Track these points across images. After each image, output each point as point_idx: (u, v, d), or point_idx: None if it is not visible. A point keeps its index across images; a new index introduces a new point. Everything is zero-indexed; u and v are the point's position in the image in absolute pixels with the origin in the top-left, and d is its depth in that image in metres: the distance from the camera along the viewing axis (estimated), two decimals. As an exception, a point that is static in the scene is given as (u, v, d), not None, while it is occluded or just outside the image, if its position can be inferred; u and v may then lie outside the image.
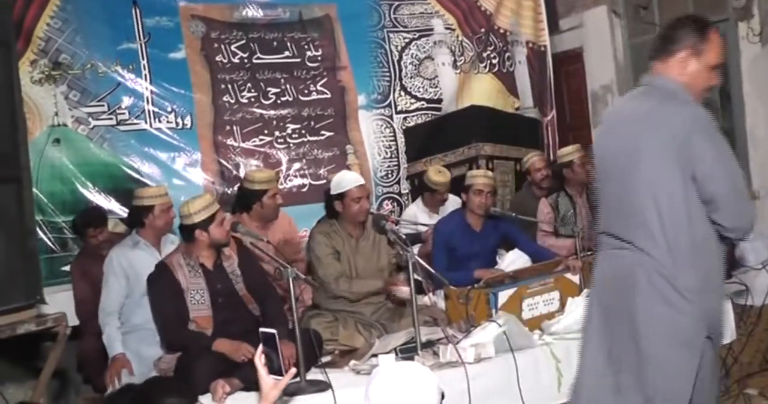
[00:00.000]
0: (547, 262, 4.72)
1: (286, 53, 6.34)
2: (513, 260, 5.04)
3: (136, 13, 5.79)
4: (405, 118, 6.76)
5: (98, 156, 5.57)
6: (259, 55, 6.22)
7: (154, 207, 4.55)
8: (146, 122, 5.78)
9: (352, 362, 3.92)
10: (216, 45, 6.09)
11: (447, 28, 7.00)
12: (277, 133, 6.23)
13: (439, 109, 6.87)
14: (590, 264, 4.61)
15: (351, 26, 6.56)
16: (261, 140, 6.18)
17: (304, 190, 6.28)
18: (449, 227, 5.01)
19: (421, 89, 6.85)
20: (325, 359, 3.96)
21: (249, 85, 6.16)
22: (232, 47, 6.14)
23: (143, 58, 5.79)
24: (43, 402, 4.11)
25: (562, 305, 4.36)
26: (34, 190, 4.64)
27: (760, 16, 6.32)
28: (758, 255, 5.08)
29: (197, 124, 5.95)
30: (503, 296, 4.21)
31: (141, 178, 5.65)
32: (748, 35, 6.41)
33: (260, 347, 2.52)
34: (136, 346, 4.42)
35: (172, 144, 5.85)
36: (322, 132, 6.40)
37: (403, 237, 4.33)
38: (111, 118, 5.65)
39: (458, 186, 5.41)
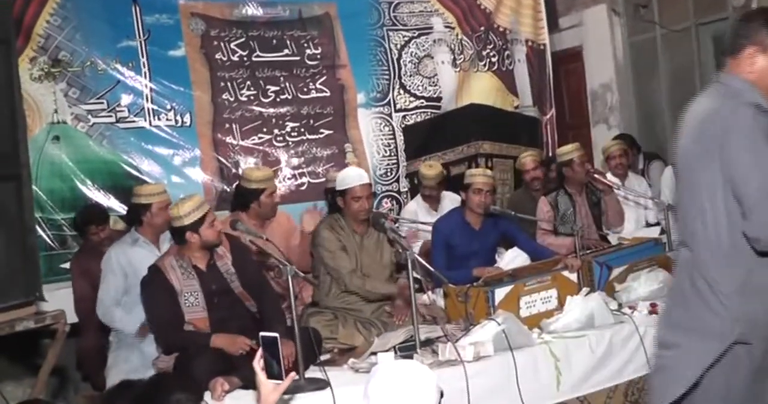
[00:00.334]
0: (547, 261, 4.72)
1: (286, 51, 6.34)
2: (512, 258, 5.05)
3: (135, 10, 5.79)
4: (404, 117, 6.76)
5: (98, 153, 5.58)
6: (258, 53, 6.22)
7: (151, 206, 4.56)
8: (146, 120, 5.78)
9: (351, 360, 3.91)
10: (215, 43, 6.09)
11: (446, 27, 6.99)
12: (276, 131, 6.23)
13: (438, 108, 6.87)
14: (589, 262, 4.65)
15: (350, 24, 6.56)
16: (260, 138, 6.18)
17: (303, 188, 6.29)
18: (448, 225, 5.01)
19: (420, 87, 6.85)
20: (324, 357, 3.95)
21: (248, 83, 6.16)
22: (232, 45, 6.14)
23: (143, 56, 5.79)
24: (43, 398, 4.10)
25: (561, 303, 4.36)
26: (34, 187, 4.64)
27: (760, 15, 6.30)
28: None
29: (196, 121, 5.96)
30: (500, 293, 4.20)
31: (140, 176, 5.65)
32: (747, 34, 6.39)
33: (259, 351, 2.51)
34: (135, 343, 4.43)
35: (172, 141, 5.85)
36: (321, 130, 6.40)
37: (402, 235, 4.33)
38: (110, 116, 5.66)
39: (458, 184, 5.41)
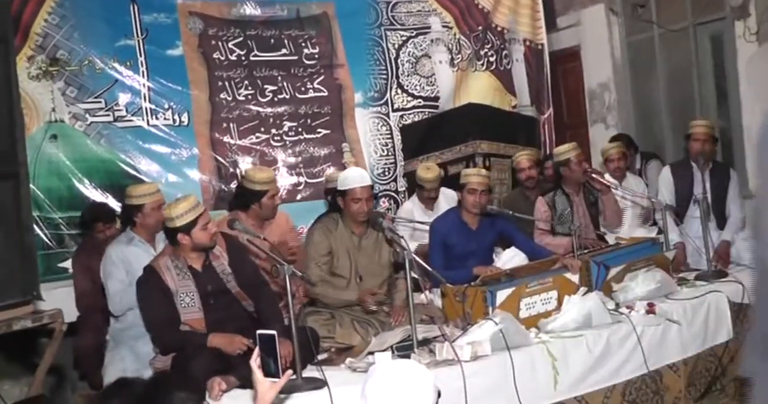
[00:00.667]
0: (544, 260, 4.72)
1: (284, 51, 6.34)
2: (509, 258, 5.05)
3: (133, 9, 5.79)
4: (402, 116, 6.77)
5: (95, 152, 5.58)
6: (256, 52, 6.23)
7: (143, 206, 4.50)
8: (143, 119, 5.79)
9: (349, 360, 3.91)
10: (213, 42, 6.09)
11: (444, 26, 7.00)
12: (273, 131, 6.24)
13: (436, 107, 6.88)
14: (586, 262, 4.65)
15: (348, 24, 6.57)
16: (258, 137, 6.18)
17: (300, 187, 6.29)
18: (446, 225, 5.00)
19: (418, 87, 6.85)
20: (322, 356, 3.95)
21: (246, 82, 6.17)
22: (230, 44, 6.14)
23: (141, 55, 5.79)
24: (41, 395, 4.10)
25: (560, 304, 4.35)
26: (31, 186, 4.63)
27: (757, 15, 6.32)
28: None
29: (194, 121, 5.96)
30: (501, 295, 4.17)
31: (138, 175, 5.66)
32: (744, 34, 6.42)
33: (256, 349, 2.51)
34: (131, 343, 4.43)
35: (169, 140, 5.86)
36: (319, 130, 6.41)
37: (400, 235, 4.32)
38: (108, 115, 5.66)
39: (455, 184, 5.41)
